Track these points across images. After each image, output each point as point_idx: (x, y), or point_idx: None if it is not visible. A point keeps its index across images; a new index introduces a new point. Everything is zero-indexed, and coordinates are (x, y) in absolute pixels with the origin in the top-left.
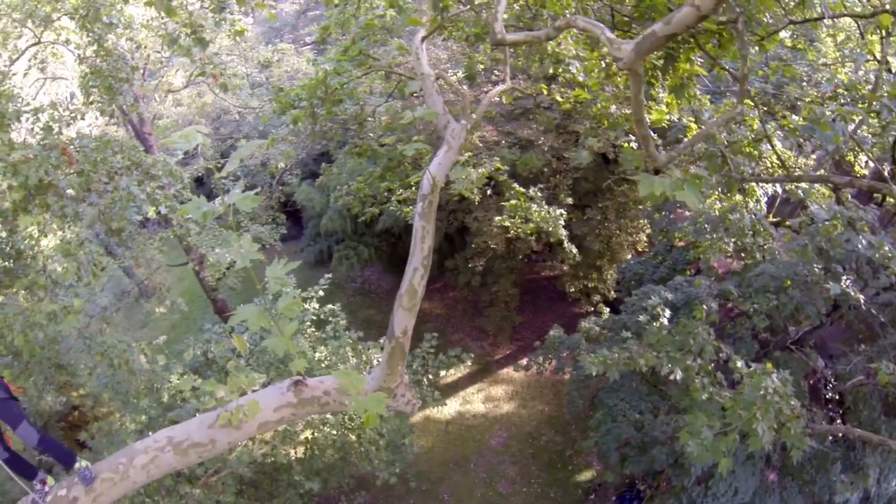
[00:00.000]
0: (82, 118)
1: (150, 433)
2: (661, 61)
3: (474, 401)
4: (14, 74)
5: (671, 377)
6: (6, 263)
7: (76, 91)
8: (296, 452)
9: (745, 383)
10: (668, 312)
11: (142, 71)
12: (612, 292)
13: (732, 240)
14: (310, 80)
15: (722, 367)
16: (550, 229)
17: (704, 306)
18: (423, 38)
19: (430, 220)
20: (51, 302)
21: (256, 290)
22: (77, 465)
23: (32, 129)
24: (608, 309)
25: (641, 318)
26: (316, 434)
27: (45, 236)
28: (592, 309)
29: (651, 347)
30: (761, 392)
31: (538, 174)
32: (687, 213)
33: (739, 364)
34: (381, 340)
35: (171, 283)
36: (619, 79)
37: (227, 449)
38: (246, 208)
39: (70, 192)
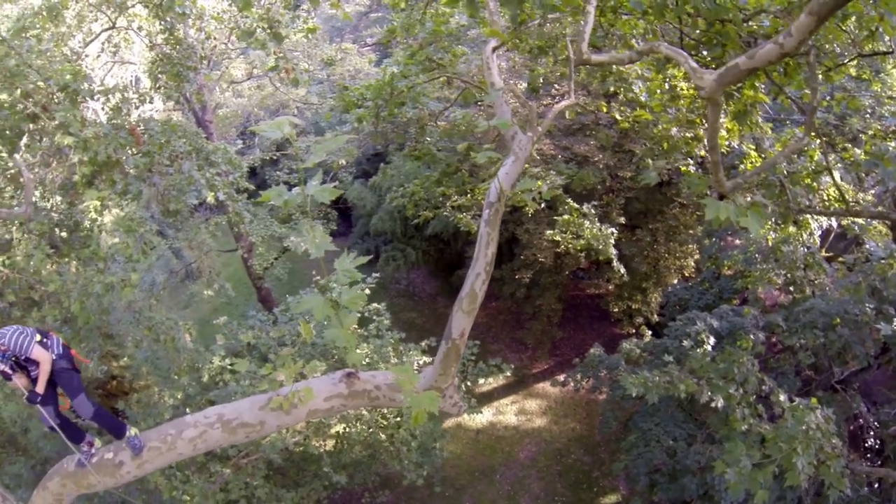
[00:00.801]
0: (150, 102)
1: (187, 410)
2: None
3: (507, 412)
4: (86, 56)
5: (712, 405)
6: (63, 234)
7: (141, 76)
8: (325, 445)
9: (786, 417)
10: (712, 340)
11: (208, 61)
12: (655, 316)
13: (783, 272)
14: (376, 80)
15: (763, 400)
16: (600, 247)
17: (751, 336)
18: (495, 49)
19: (495, 227)
20: (109, 274)
21: (301, 282)
22: (128, 433)
23: (103, 108)
24: (650, 332)
25: (685, 343)
26: (348, 429)
27: (107, 212)
28: (634, 331)
29: (693, 374)
30: (804, 427)
31: (591, 191)
32: (737, 242)
33: (782, 398)
34: (423, 343)
35: (217, 268)
36: (682, 102)
37: (275, 432)
38: (324, 200)
39: (132, 171)
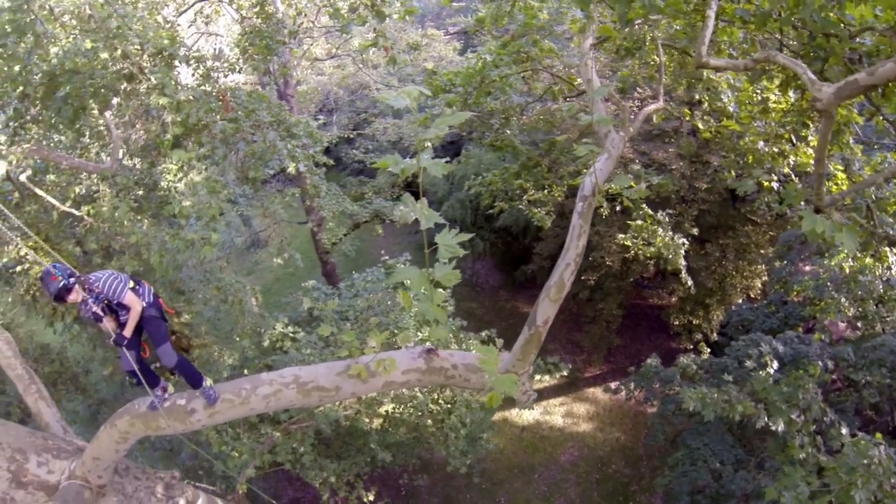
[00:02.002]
0: (239, 72)
1: (245, 371)
2: None
3: (555, 413)
4: (179, 26)
5: (772, 428)
6: (140, 192)
7: (224, 48)
8: (373, 423)
9: (846, 452)
10: (776, 364)
11: (295, 37)
12: (715, 334)
13: (855, 304)
14: (467, 67)
15: (821, 433)
16: (670, 257)
17: (820, 363)
18: (593, 46)
19: (587, 220)
20: (191, 231)
21: (366, 261)
22: (204, 384)
23: (193, 74)
24: (708, 350)
25: (748, 363)
26: (397, 410)
27: (188, 174)
28: (692, 346)
29: (752, 396)
30: (865, 461)
31: (666, 199)
32: (807, 268)
33: (844, 431)
34: (483, 333)
35: (288, 238)
36: (772, 115)
37: (348, 399)
38: (437, 173)
39: (219, 136)
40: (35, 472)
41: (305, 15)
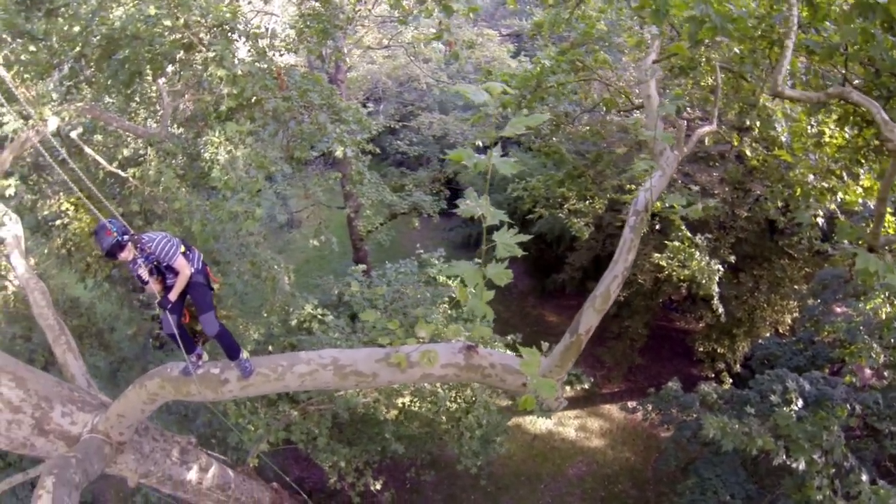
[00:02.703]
0: (295, 52)
1: (269, 348)
2: (877, 142)
3: (568, 425)
4: (238, 1)
5: (793, 466)
6: (183, 161)
7: (277, 29)
8: (388, 413)
9: (863, 499)
10: (800, 402)
11: (351, 23)
12: (738, 366)
13: (887, 352)
14: (525, 70)
15: (842, 476)
16: (704, 281)
17: (848, 405)
18: (655, 62)
19: (638, 234)
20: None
21: (398, 252)
22: (241, 356)
23: (249, 51)
24: (730, 381)
25: (773, 398)
26: (414, 403)
27: (237, 147)
28: (714, 375)
29: (773, 432)
30: None
31: (704, 223)
32: (840, 309)
33: (864, 478)
34: (508, 337)
35: (326, 221)
36: (826, 150)
37: (384, 385)
38: (506, 171)
39: (271, 112)
40: (58, 422)
41: (364, 2)
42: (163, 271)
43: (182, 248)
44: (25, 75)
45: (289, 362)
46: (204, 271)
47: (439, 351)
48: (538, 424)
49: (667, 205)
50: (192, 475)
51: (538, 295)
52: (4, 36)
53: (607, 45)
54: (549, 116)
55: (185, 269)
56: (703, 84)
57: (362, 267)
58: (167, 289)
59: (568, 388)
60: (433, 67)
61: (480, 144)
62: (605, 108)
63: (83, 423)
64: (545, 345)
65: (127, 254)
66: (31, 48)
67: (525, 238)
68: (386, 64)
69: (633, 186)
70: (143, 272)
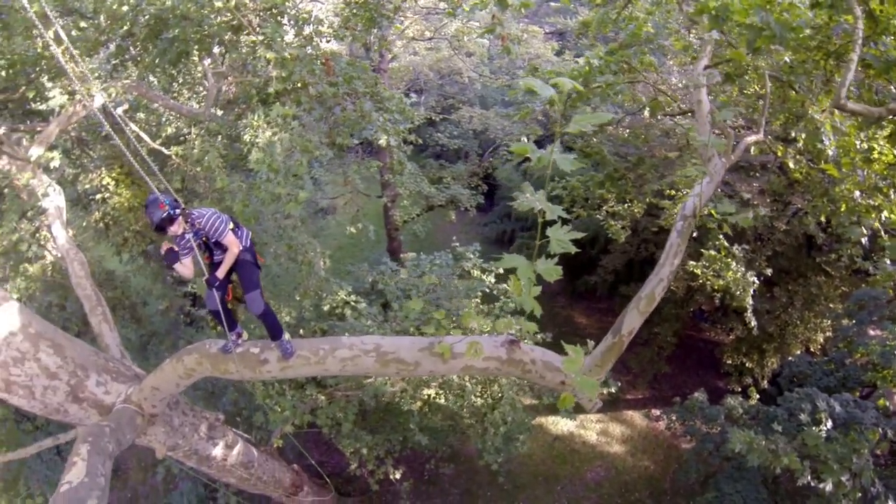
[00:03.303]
0: (342, 40)
1: (300, 332)
2: None
3: (590, 428)
4: None
5: (820, 487)
6: (224, 142)
7: (322, 16)
8: (415, 404)
9: None
10: (829, 423)
11: (398, 13)
12: (766, 381)
13: None
14: (573, 69)
15: (868, 500)
16: (738, 293)
17: (880, 429)
18: (706, 67)
19: (685, 239)
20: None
21: (433, 243)
22: (283, 337)
23: (296, 35)
24: (757, 396)
25: (802, 417)
26: (440, 395)
27: (282, 130)
28: (740, 389)
29: (800, 451)
30: None
31: (741, 234)
32: (875, 332)
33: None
34: (538, 336)
35: (364, 209)
36: (875, 167)
37: (426, 375)
38: (565, 168)
39: (317, 97)
40: (92, 390)
41: None
42: (210, 247)
43: (231, 225)
44: (74, 51)
45: (331, 346)
46: (252, 250)
47: (483, 343)
48: (560, 425)
49: (717, 212)
50: (218, 451)
51: (568, 295)
52: (54, 12)
53: (655, 48)
54: (612, 116)
55: (234, 245)
56: (747, 92)
57: (412, 255)
58: (214, 266)
59: (604, 390)
60: (476, 61)
61: (526, 140)
62: (650, 112)
63: (116, 393)
64: (590, 343)
65: (177, 227)
66: (82, 24)
67: (578, 235)
68: (429, 56)
69: (673, 192)
70: (191, 246)
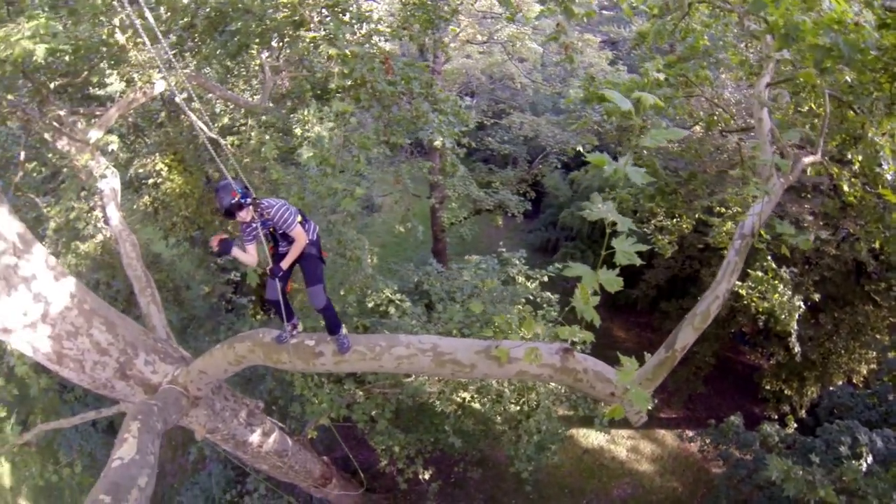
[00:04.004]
0: (400, 40)
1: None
2: None
3: (620, 444)
4: None
5: None
6: (276, 135)
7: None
8: (450, 406)
9: None
10: (870, 458)
11: (456, 15)
12: (804, 410)
13: None
14: (632, 79)
15: None
16: (783, 317)
17: None
18: (769, 85)
19: (742, 257)
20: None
21: (477, 247)
22: (341, 332)
23: (354, 33)
24: (795, 425)
25: (841, 449)
26: (475, 400)
27: (338, 126)
28: (777, 417)
29: (837, 484)
30: None
31: (789, 256)
32: None
33: None
34: (577, 347)
35: (398, 214)
36: None
37: (480, 378)
38: (637, 181)
39: (376, 95)
40: (140, 369)
41: None
42: (277, 238)
43: (299, 218)
44: (138, 40)
45: (388, 343)
46: (317, 243)
47: (541, 350)
48: (591, 438)
49: (776, 232)
50: (255, 438)
51: (608, 308)
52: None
53: (712, 62)
54: (687, 132)
55: (302, 238)
56: (802, 109)
57: (476, 258)
58: (278, 256)
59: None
60: (528, 67)
61: (581, 150)
62: (705, 127)
63: (163, 374)
64: (647, 355)
65: (245, 215)
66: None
67: (643, 248)
68: (481, 59)
69: (724, 209)
70: (257, 235)
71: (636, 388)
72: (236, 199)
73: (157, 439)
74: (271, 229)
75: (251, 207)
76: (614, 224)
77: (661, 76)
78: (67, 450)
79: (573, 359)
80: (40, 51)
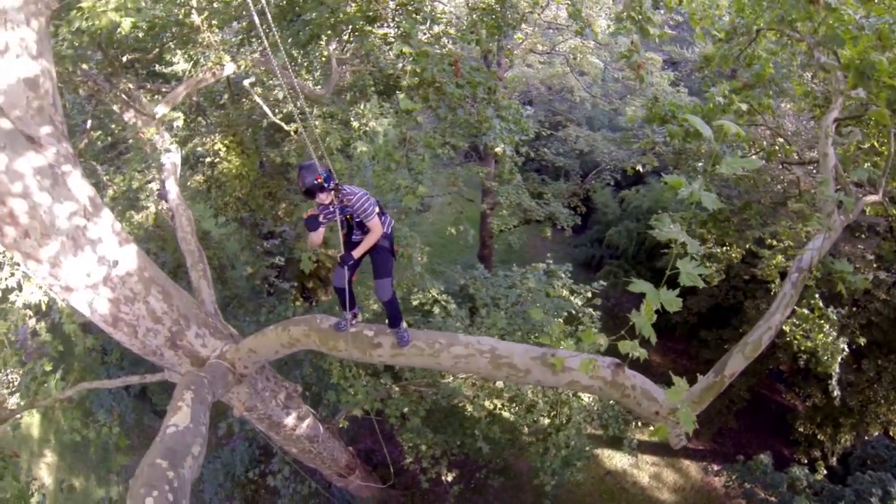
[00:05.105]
0: (468, 44)
1: (386, 320)
2: None
3: (644, 469)
4: None
5: None
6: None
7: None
8: (482, 411)
9: None
10: None
11: (524, 22)
12: (835, 458)
13: None
14: (696, 105)
15: None
16: (826, 359)
17: None
18: (836, 121)
19: (798, 291)
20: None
21: (522, 257)
22: (402, 325)
23: (426, 33)
24: (825, 471)
25: (872, 500)
26: (506, 408)
27: (404, 123)
28: (807, 461)
29: None
30: None
31: (836, 296)
32: None
33: None
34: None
35: (448, 215)
36: None
37: (534, 384)
38: (709, 206)
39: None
40: (190, 341)
41: (541, 6)
42: (352, 226)
43: (377, 209)
44: (213, 21)
45: (447, 341)
46: (391, 237)
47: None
48: (615, 460)
49: (835, 270)
50: (290, 420)
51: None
52: None
53: (777, 91)
54: (762, 163)
55: (377, 229)
56: (863, 146)
57: (542, 266)
58: (350, 244)
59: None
60: (588, 81)
61: (640, 170)
62: (766, 157)
63: (212, 348)
64: (701, 377)
65: (326, 197)
66: None
67: (707, 271)
68: (542, 69)
69: (776, 242)
70: (333, 219)
71: (685, 408)
72: (319, 181)
73: (208, 411)
74: (348, 216)
75: (333, 192)
76: (683, 245)
77: (743, 106)
78: (98, 409)
79: (623, 374)
80: (126, 24)
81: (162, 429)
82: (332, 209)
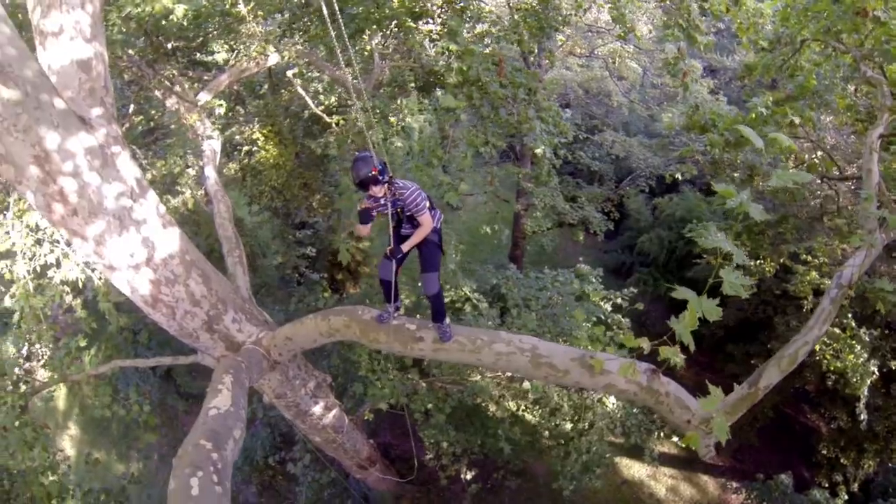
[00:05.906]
0: (512, 45)
1: (417, 315)
2: None
3: (661, 481)
4: None
5: None
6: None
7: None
8: (506, 411)
9: None
10: None
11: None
12: (856, 484)
13: None
14: (738, 114)
15: None
16: (855, 381)
17: None
18: (881, 137)
19: (836, 307)
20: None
21: (553, 260)
22: (445, 321)
23: (468, 32)
24: (846, 496)
25: None
26: (529, 410)
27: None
28: (827, 485)
29: None
30: None
31: (869, 318)
32: None
33: None
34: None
35: (481, 214)
36: None
37: (572, 385)
38: (756, 217)
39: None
40: (227, 325)
41: (584, 9)
42: (401, 219)
43: (428, 204)
44: (258, 12)
45: (489, 338)
46: (439, 232)
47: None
48: (633, 470)
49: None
50: (317, 409)
51: (670, 342)
52: None
53: (820, 104)
54: (812, 177)
55: (427, 224)
56: None
57: (585, 268)
58: (399, 237)
59: (681, 445)
60: (626, 86)
61: (679, 178)
62: (806, 170)
63: (248, 333)
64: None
65: (378, 190)
66: None
67: (749, 282)
68: (581, 73)
69: (811, 258)
70: (368, 205)
71: (721, 417)
72: (375, 173)
73: (246, 395)
74: (399, 210)
75: (386, 185)
76: (726, 255)
77: (796, 119)
78: (125, 387)
79: (658, 380)
80: (179, 10)
81: (203, 411)
82: (384, 202)
